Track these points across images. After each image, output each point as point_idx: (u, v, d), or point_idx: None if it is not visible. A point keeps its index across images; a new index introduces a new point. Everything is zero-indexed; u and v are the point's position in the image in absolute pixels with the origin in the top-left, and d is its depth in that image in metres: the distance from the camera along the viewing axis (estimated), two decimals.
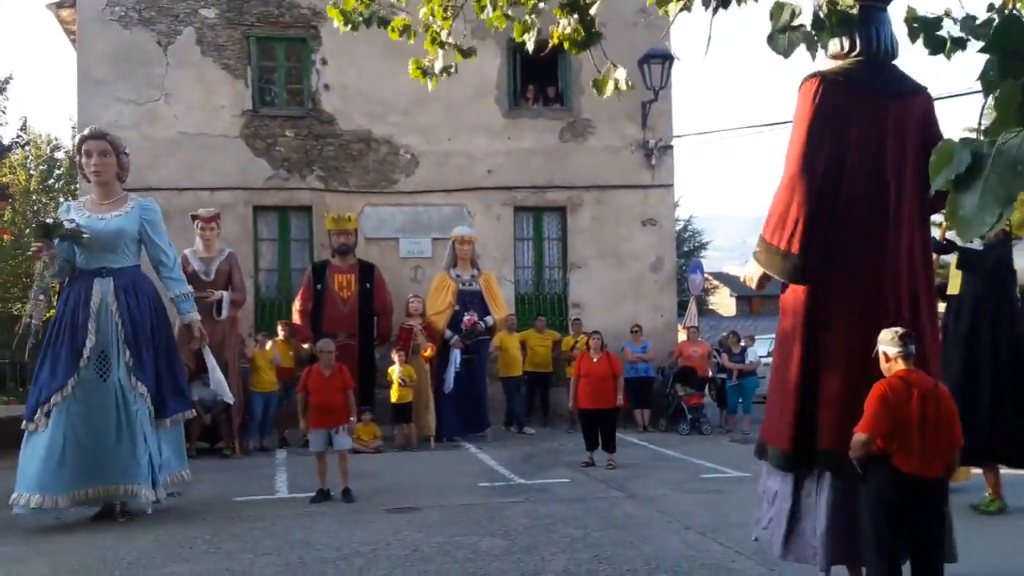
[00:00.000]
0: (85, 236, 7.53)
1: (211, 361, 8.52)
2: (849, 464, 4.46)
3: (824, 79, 4.90)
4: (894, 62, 5.14)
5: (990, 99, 2.34)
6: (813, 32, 4.31)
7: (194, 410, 8.63)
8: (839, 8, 4.72)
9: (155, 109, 13.30)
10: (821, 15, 4.63)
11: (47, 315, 7.80)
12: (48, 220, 7.70)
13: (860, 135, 4.91)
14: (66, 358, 7.43)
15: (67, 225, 7.52)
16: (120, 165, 7.98)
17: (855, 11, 4.66)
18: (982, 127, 2.34)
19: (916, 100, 5.05)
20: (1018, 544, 6.37)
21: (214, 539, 6.73)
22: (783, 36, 4.14)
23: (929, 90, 5.16)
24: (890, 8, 5.18)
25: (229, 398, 9.10)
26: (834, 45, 5.04)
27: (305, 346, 12.04)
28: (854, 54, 5.03)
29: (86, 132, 8.04)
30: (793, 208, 4.75)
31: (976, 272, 7.43)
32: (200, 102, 13.42)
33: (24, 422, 7.43)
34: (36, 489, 7.17)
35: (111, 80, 13.18)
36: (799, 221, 4.73)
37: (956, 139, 2.24)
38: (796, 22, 4.23)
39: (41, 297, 7.55)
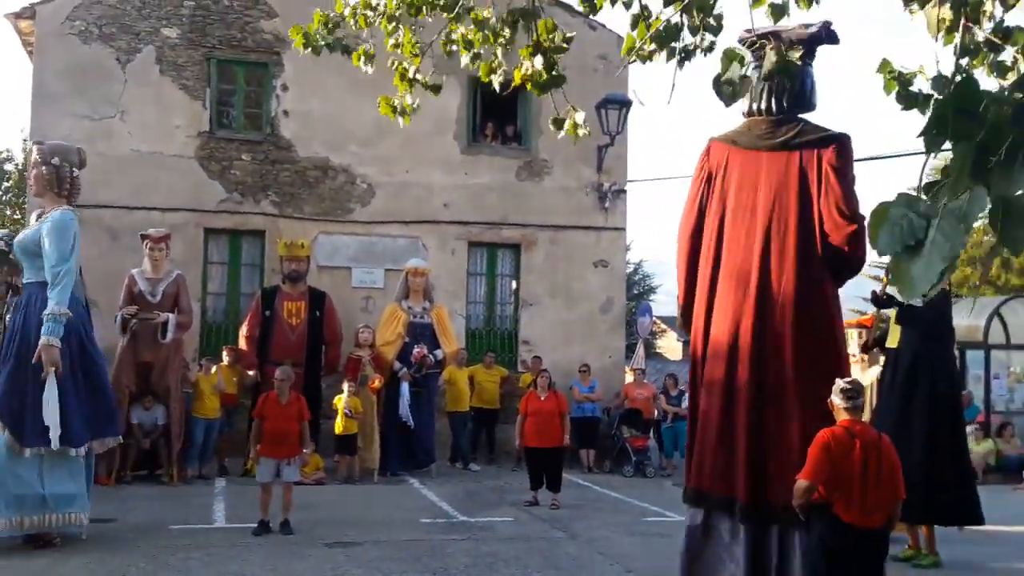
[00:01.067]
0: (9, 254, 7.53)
1: (51, 388, 7.01)
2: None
3: (711, 142, 5.60)
4: (805, 115, 5.45)
5: (931, 158, 2.43)
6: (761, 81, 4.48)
7: (113, 439, 7.83)
8: (786, 63, 4.89)
9: (110, 126, 13.11)
10: (767, 70, 4.80)
11: None
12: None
13: (739, 186, 5.36)
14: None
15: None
16: (44, 176, 7.53)
17: (800, 64, 4.88)
18: (922, 185, 2.41)
19: (804, 153, 5.25)
20: None
21: (148, 567, 6.57)
22: (728, 87, 4.27)
23: (840, 139, 5.28)
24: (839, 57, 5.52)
25: (52, 426, 7.00)
26: (743, 104, 5.36)
27: (250, 373, 11.87)
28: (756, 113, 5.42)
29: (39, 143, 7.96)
30: (679, 266, 5.67)
31: (915, 327, 7.58)
32: (156, 121, 13.27)
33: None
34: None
35: (66, 94, 12.98)
36: (679, 275, 5.66)
37: (891, 199, 2.31)
38: (743, 72, 4.37)
39: None
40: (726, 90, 4.29)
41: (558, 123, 5.32)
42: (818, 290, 5.12)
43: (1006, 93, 2.27)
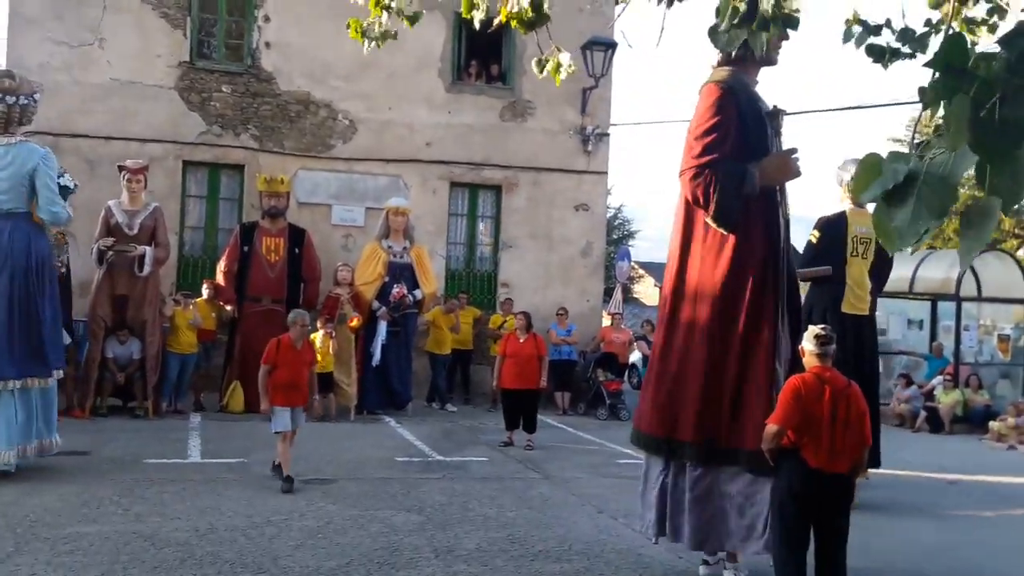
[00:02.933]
0: None
1: None
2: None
3: (723, 87, 5.27)
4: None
5: (927, 112, 2.42)
6: (756, 30, 4.40)
7: (60, 372, 7.84)
8: (785, 11, 4.81)
9: (88, 53, 12.78)
10: (767, 16, 4.72)
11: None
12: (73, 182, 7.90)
13: (756, 136, 5.28)
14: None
15: None
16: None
17: (798, 14, 4.78)
18: (915, 140, 2.41)
19: None
20: (904, 540, 6.64)
21: (122, 500, 6.59)
22: (725, 33, 4.21)
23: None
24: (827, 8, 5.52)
25: None
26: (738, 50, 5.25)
27: (228, 308, 11.82)
28: (747, 60, 5.27)
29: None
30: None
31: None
32: (136, 50, 12.96)
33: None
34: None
35: (44, 19, 12.61)
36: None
37: (883, 153, 2.31)
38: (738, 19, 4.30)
39: None
40: (722, 38, 4.23)
41: (540, 64, 5.21)
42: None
43: (995, 48, 2.25)
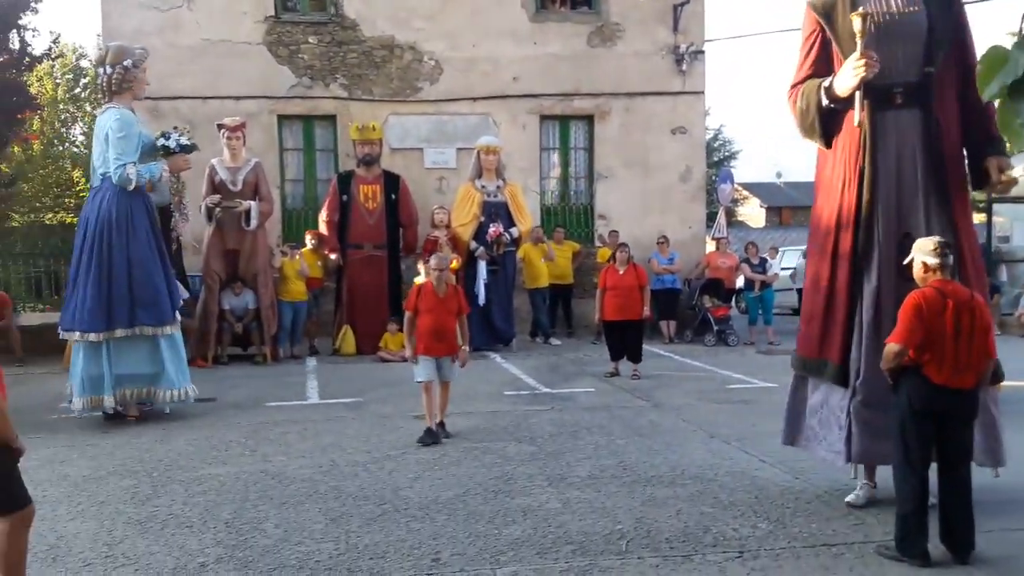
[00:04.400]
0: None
1: None
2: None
3: (809, 5, 5.17)
4: None
5: None
6: None
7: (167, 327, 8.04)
8: None
9: (178, 16, 13.10)
10: None
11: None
12: (190, 138, 8.43)
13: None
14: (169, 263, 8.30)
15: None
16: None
17: None
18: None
19: None
20: None
21: (248, 442, 6.91)
22: None
23: None
24: None
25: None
26: None
27: (332, 257, 12.11)
28: None
29: (144, 49, 8.27)
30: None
31: None
32: (223, 8, 13.20)
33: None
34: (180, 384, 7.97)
35: None
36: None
37: (1006, 45, 2.14)
38: None
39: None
40: None
41: None
42: None
43: None
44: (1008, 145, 4.87)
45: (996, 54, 2.08)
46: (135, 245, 7.76)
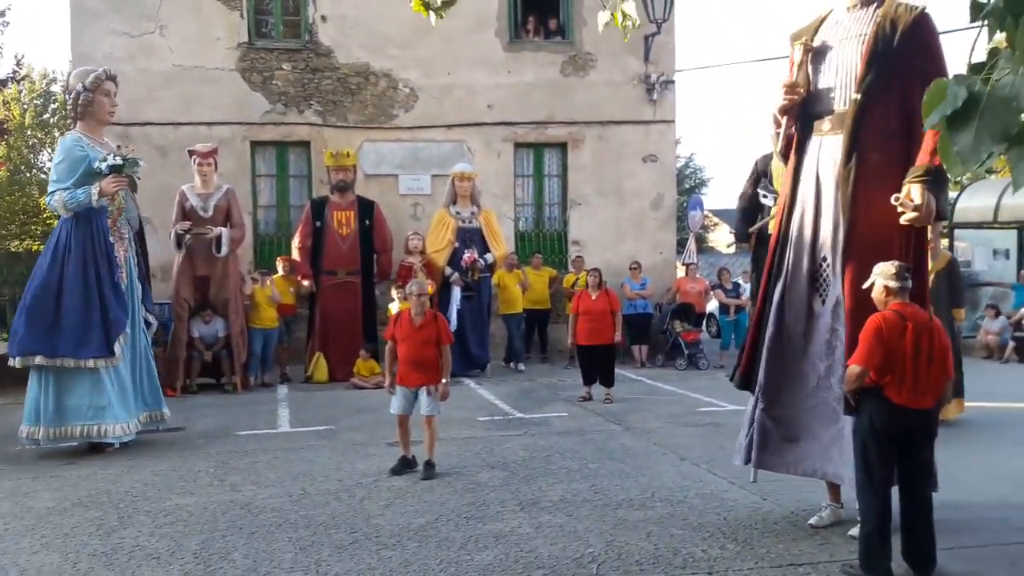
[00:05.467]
0: (138, 177, 8.09)
1: None
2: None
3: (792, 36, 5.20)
4: None
5: (985, 34, 2.32)
6: None
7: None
8: None
9: (150, 41, 13.08)
10: None
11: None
12: (124, 155, 7.90)
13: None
14: (122, 293, 7.85)
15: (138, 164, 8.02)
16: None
17: None
18: (973, 63, 2.32)
19: None
20: (991, 472, 6.47)
21: (217, 471, 6.85)
22: None
23: None
24: None
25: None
26: None
27: (305, 283, 12.07)
28: None
29: (108, 71, 8.19)
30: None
31: None
32: (195, 34, 13.21)
33: (87, 360, 7.61)
34: (124, 419, 7.70)
35: (105, 11, 12.93)
36: None
37: (949, 78, 2.24)
38: None
39: (124, 232, 8.01)
40: None
41: (605, 18, 5.12)
42: None
43: None
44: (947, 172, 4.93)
45: (938, 86, 2.18)
46: (66, 272, 7.65)
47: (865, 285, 4.53)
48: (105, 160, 7.73)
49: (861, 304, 4.67)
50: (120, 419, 7.66)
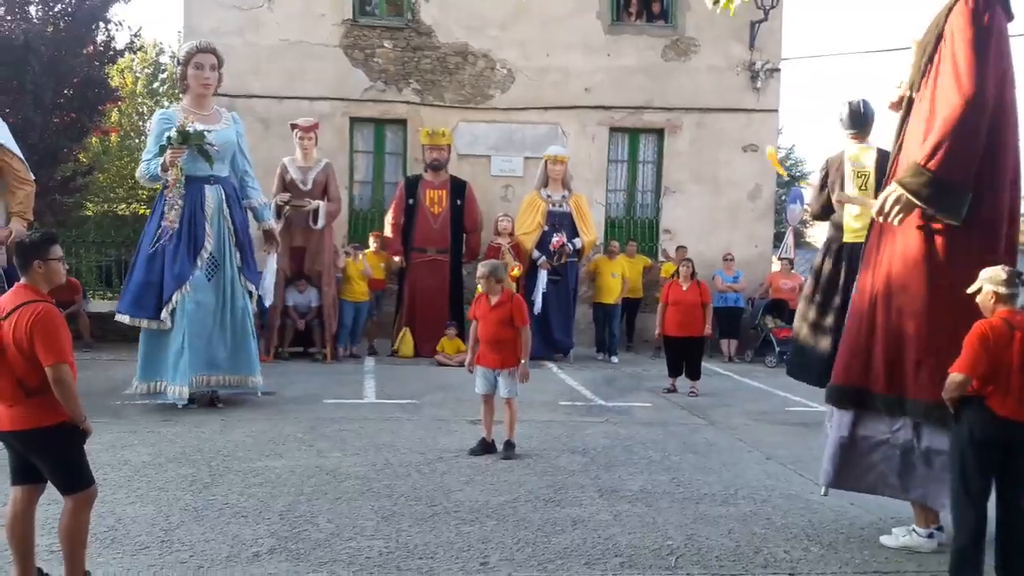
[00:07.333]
0: (215, 148, 8.04)
1: (271, 265, 9.06)
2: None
3: None
4: None
5: None
6: None
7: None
8: None
9: (258, 16, 13.40)
10: None
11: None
12: (188, 127, 7.93)
13: (1009, 62, 4.66)
14: (183, 259, 8.00)
15: (204, 135, 7.99)
16: (219, 80, 8.48)
17: None
18: None
19: None
20: None
21: (306, 437, 7.02)
22: None
23: None
24: None
25: (269, 300, 9.41)
26: None
27: (396, 259, 12.24)
28: None
29: (200, 44, 8.48)
30: (968, 138, 4.45)
31: None
32: (302, 10, 13.46)
33: (141, 319, 8.03)
34: (167, 378, 7.98)
35: None
36: (973, 153, 4.47)
37: None
38: None
39: (180, 202, 8.05)
40: None
41: None
42: None
43: None
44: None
45: None
46: (143, 239, 8.22)
47: (971, 289, 4.31)
48: (171, 134, 7.94)
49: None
50: (175, 380, 7.93)
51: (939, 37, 4.64)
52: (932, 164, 4.44)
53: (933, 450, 4.65)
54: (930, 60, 4.68)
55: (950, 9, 4.62)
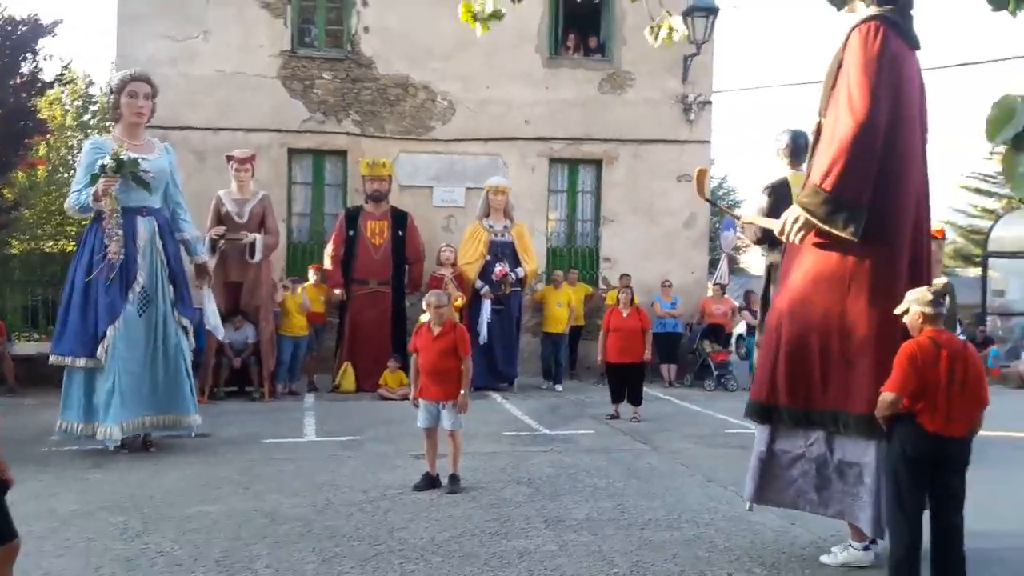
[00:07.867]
0: (150, 175, 7.80)
1: (210, 301, 8.84)
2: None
3: (884, 24, 4.73)
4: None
5: None
6: None
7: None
8: None
9: (193, 46, 13.25)
10: None
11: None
12: (123, 155, 7.63)
13: (909, 86, 4.86)
14: (115, 293, 7.69)
15: (139, 162, 7.73)
16: (153, 110, 8.25)
17: None
18: None
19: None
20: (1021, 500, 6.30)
21: (242, 479, 6.84)
22: None
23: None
24: None
25: (219, 334, 9.36)
26: None
27: (336, 292, 12.10)
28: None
29: (134, 72, 8.26)
30: (861, 158, 4.63)
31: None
32: (239, 41, 13.36)
33: (72, 358, 7.70)
34: (98, 418, 7.61)
35: (150, 15, 13.11)
36: (867, 172, 4.64)
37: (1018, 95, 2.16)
38: None
39: (119, 232, 7.71)
40: None
41: (654, 31, 5.11)
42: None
43: None
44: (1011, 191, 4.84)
45: (1006, 103, 2.10)
46: (76, 274, 7.86)
47: (898, 310, 4.43)
48: (104, 163, 7.64)
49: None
50: (105, 421, 7.55)
51: (839, 66, 4.85)
52: (827, 184, 4.65)
53: (846, 462, 4.80)
54: (833, 87, 4.88)
55: (848, 38, 4.82)
